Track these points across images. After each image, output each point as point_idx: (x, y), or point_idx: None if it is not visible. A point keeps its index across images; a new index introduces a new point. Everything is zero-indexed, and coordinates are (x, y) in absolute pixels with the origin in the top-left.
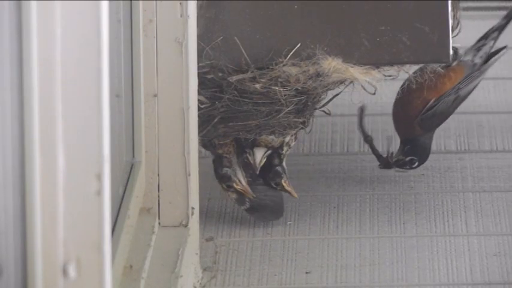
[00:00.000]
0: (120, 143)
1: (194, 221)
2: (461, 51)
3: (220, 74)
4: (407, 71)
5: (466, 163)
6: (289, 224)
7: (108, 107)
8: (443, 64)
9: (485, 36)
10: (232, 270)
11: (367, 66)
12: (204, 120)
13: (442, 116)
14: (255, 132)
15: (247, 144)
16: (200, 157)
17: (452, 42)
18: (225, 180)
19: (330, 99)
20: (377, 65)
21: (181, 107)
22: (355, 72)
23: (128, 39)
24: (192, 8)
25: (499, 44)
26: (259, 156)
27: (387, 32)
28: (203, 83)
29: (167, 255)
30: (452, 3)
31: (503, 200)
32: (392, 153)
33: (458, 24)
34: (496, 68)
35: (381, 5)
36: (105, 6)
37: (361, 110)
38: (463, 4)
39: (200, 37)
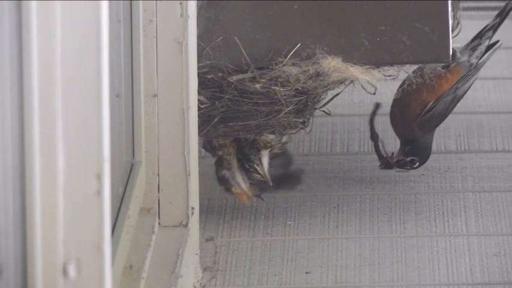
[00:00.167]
0: (120, 143)
1: (194, 221)
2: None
3: (220, 74)
4: (408, 71)
5: (466, 163)
6: (289, 224)
7: (108, 107)
8: (442, 65)
9: (479, 36)
10: (232, 270)
11: (367, 66)
12: (204, 120)
13: (440, 117)
14: (255, 132)
15: (246, 145)
16: (200, 157)
17: (452, 42)
18: (223, 183)
19: (330, 99)
20: (377, 65)
21: (181, 107)
22: (355, 71)
23: (128, 39)
24: (192, 8)
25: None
26: (266, 163)
27: (387, 32)
28: (203, 83)
29: (167, 255)
30: (452, 3)
31: (503, 200)
32: (393, 154)
33: (458, 24)
34: (496, 68)
35: (380, 5)
36: (105, 6)
37: (377, 106)
38: (463, 4)
39: (200, 37)
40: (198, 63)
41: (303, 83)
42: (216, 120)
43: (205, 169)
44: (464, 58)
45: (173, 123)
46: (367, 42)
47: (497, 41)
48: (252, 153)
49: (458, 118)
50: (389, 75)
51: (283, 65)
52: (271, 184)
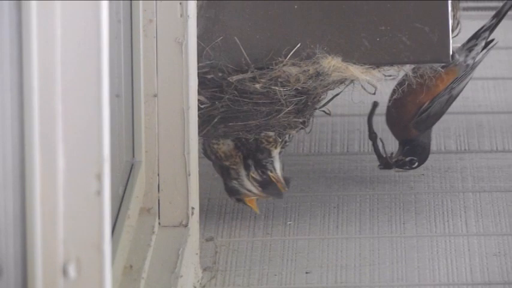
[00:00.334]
0: (120, 143)
1: (194, 221)
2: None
3: (220, 74)
4: (408, 71)
5: (466, 163)
6: (289, 224)
7: (108, 107)
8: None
9: (475, 36)
10: (232, 270)
11: (367, 66)
12: (204, 120)
13: (436, 116)
14: (255, 132)
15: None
16: (200, 157)
17: (452, 42)
18: (234, 194)
19: (330, 99)
20: (377, 65)
21: (181, 107)
22: (355, 71)
23: (128, 39)
24: (192, 8)
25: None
26: (279, 167)
27: (387, 32)
28: (203, 83)
29: (167, 255)
30: (452, 3)
31: (503, 200)
32: (392, 154)
33: (458, 24)
34: (496, 68)
35: (380, 5)
36: (105, 6)
37: (375, 105)
38: (463, 4)
39: (200, 37)
40: (198, 63)
41: (303, 83)
42: (216, 120)
43: (205, 169)
44: (460, 59)
45: (173, 123)
46: (367, 42)
47: (493, 40)
48: (264, 158)
49: (458, 118)
50: (389, 75)
51: (283, 65)
52: (286, 189)
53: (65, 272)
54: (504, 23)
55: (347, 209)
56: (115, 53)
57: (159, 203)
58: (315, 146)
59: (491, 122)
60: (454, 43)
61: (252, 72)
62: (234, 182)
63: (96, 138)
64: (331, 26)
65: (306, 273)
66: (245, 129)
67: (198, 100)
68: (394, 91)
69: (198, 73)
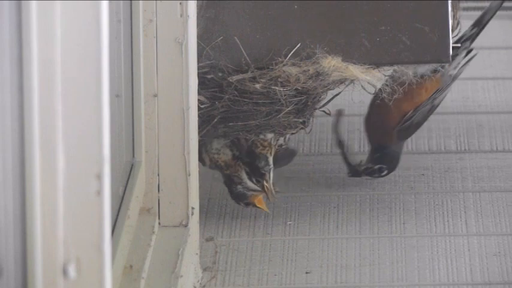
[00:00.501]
0: (120, 143)
1: (194, 221)
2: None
3: (220, 74)
4: (407, 71)
5: (466, 163)
6: (289, 224)
7: (108, 107)
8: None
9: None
10: (232, 270)
11: (367, 66)
12: (204, 120)
13: (417, 125)
14: (255, 132)
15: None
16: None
17: (452, 42)
18: (241, 199)
19: (330, 99)
20: (377, 65)
21: (181, 107)
22: (355, 70)
23: (128, 39)
24: (192, 8)
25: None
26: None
27: (387, 32)
28: (203, 83)
29: (167, 255)
30: (452, 3)
31: (503, 200)
32: (361, 161)
33: (458, 24)
34: (496, 68)
35: (380, 5)
36: (105, 6)
37: (339, 113)
38: (463, 4)
39: (200, 37)
40: (198, 63)
41: (303, 83)
42: (216, 120)
43: (205, 169)
44: (443, 69)
45: (173, 123)
46: (367, 42)
47: (472, 50)
48: (263, 167)
49: (458, 118)
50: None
51: (283, 65)
52: (275, 199)
53: (65, 272)
54: (504, 23)
55: (347, 209)
56: (115, 53)
57: (159, 203)
58: (315, 146)
59: (491, 122)
60: (454, 43)
61: (252, 72)
62: (239, 186)
63: (96, 138)
64: (331, 26)
65: (306, 273)
66: (245, 129)
67: (198, 100)
68: (375, 97)
69: (198, 73)
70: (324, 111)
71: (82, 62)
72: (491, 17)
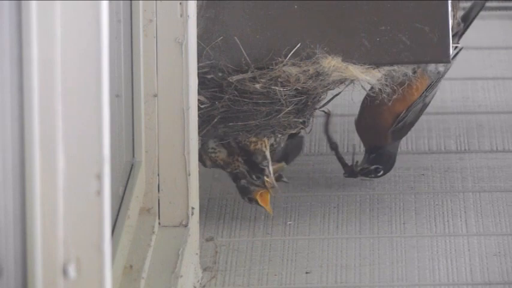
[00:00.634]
0: (120, 143)
1: (194, 221)
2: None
3: (220, 74)
4: (407, 70)
5: (466, 163)
6: (289, 224)
7: (108, 107)
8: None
9: None
10: (232, 270)
11: (367, 66)
12: (204, 120)
13: (410, 125)
14: (255, 132)
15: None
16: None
17: (452, 42)
18: (245, 193)
19: (330, 99)
20: (377, 65)
21: (181, 107)
22: (355, 70)
23: (128, 39)
24: (192, 8)
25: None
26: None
27: (387, 32)
28: (203, 83)
29: (167, 255)
30: (452, 3)
31: (503, 200)
32: (357, 162)
33: (458, 24)
34: (496, 68)
35: (380, 5)
36: (105, 6)
37: (328, 115)
38: (463, 4)
39: (200, 37)
40: (198, 63)
41: (303, 83)
42: (216, 120)
43: (205, 169)
44: (431, 66)
45: (173, 123)
46: (367, 42)
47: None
48: (261, 162)
49: (458, 118)
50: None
51: (283, 65)
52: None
53: (65, 272)
54: (504, 23)
55: (347, 209)
56: (115, 53)
57: (159, 203)
58: (315, 146)
59: (491, 122)
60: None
61: (252, 72)
62: (243, 181)
63: (96, 138)
64: (331, 26)
65: (306, 273)
66: (245, 129)
67: (198, 100)
68: (366, 99)
69: (198, 73)
70: (324, 111)
71: (82, 62)
72: (478, 13)
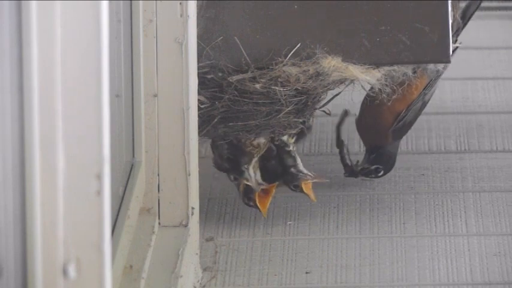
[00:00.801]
0: (120, 143)
1: (194, 221)
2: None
3: (220, 74)
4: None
5: (466, 163)
6: (289, 224)
7: (108, 107)
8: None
9: None
10: (232, 270)
11: (367, 66)
12: (204, 120)
13: (410, 124)
14: (255, 132)
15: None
16: (200, 157)
17: (452, 42)
18: (246, 193)
19: (330, 99)
20: (377, 65)
21: (181, 107)
22: (355, 70)
23: (128, 39)
24: (192, 8)
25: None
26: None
27: (387, 32)
28: (203, 83)
29: (167, 255)
30: (452, 3)
31: (503, 200)
32: (357, 162)
33: (458, 24)
34: (496, 68)
35: (380, 5)
36: (105, 6)
37: (345, 114)
38: (463, 4)
39: (200, 37)
40: (198, 63)
41: (303, 83)
42: (216, 120)
43: (205, 169)
44: (430, 65)
45: (173, 123)
46: (367, 42)
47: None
48: (245, 163)
49: (458, 118)
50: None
51: (283, 65)
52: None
53: (65, 272)
54: (504, 23)
55: (347, 209)
56: (115, 53)
57: (159, 203)
58: (315, 146)
59: (491, 122)
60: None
61: (252, 72)
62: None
63: (96, 138)
64: (331, 26)
65: (306, 273)
66: (245, 129)
67: (198, 100)
68: (365, 99)
69: (198, 73)
70: (324, 111)
71: (82, 62)
72: (475, 10)
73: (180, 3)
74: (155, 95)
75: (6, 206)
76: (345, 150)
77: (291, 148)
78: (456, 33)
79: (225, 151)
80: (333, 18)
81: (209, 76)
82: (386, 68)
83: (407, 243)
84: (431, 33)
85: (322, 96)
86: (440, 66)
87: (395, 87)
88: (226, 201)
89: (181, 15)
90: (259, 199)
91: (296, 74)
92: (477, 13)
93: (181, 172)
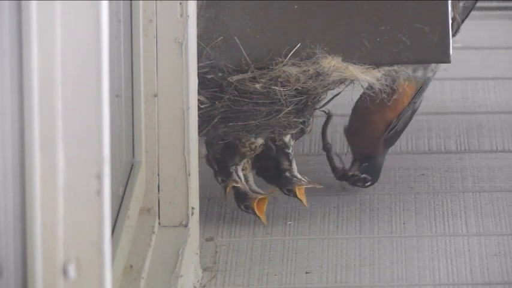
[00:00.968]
0: (120, 143)
1: (194, 221)
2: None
3: (220, 74)
4: (407, 70)
5: (466, 163)
6: (289, 224)
7: (108, 107)
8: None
9: None
10: (232, 270)
11: (367, 66)
12: (204, 120)
13: (401, 132)
14: (255, 132)
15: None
16: (200, 157)
17: (452, 42)
18: (242, 201)
19: (330, 99)
20: (377, 65)
21: (181, 107)
22: (355, 70)
23: (128, 39)
24: (192, 8)
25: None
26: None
27: (387, 32)
28: (203, 83)
29: (167, 255)
30: (452, 3)
31: (503, 200)
32: (349, 166)
33: (458, 24)
34: (496, 68)
35: (380, 5)
36: (105, 6)
37: (329, 116)
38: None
39: (200, 37)
40: (198, 63)
41: (303, 83)
42: (216, 120)
43: (205, 169)
44: (419, 73)
45: (173, 123)
46: (367, 42)
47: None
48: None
49: (458, 118)
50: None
51: (283, 65)
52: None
53: (65, 272)
54: (504, 22)
55: (347, 209)
56: (115, 53)
57: (159, 203)
58: (315, 146)
59: (491, 122)
60: (454, 43)
61: (252, 72)
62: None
63: (96, 138)
64: (331, 26)
65: (306, 273)
66: (245, 129)
67: (198, 100)
68: (356, 107)
69: (198, 73)
70: (324, 111)
71: (82, 62)
72: (471, 10)
73: (180, 3)
74: (155, 95)
75: (6, 206)
76: (332, 153)
77: (290, 151)
78: (453, 32)
79: (217, 151)
80: (333, 18)
81: (209, 76)
82: (387, 68)
83: (407, 243)
84: (431, 33)
85: (322, 96)
86: (430, 73)
87: (395, 88)
88: (226, 201)
89: (181, 15)
90: (257, 207)
91: (296, 74)
92: (477, 13)
93: (181, 172)
